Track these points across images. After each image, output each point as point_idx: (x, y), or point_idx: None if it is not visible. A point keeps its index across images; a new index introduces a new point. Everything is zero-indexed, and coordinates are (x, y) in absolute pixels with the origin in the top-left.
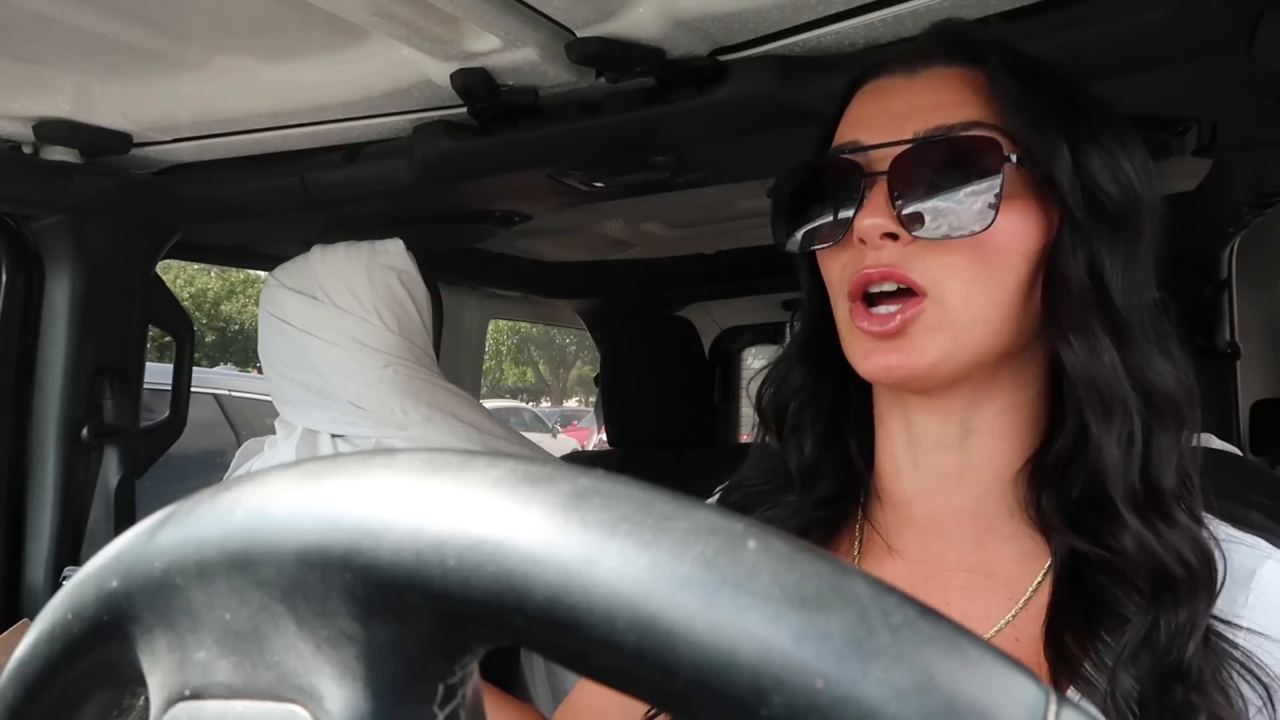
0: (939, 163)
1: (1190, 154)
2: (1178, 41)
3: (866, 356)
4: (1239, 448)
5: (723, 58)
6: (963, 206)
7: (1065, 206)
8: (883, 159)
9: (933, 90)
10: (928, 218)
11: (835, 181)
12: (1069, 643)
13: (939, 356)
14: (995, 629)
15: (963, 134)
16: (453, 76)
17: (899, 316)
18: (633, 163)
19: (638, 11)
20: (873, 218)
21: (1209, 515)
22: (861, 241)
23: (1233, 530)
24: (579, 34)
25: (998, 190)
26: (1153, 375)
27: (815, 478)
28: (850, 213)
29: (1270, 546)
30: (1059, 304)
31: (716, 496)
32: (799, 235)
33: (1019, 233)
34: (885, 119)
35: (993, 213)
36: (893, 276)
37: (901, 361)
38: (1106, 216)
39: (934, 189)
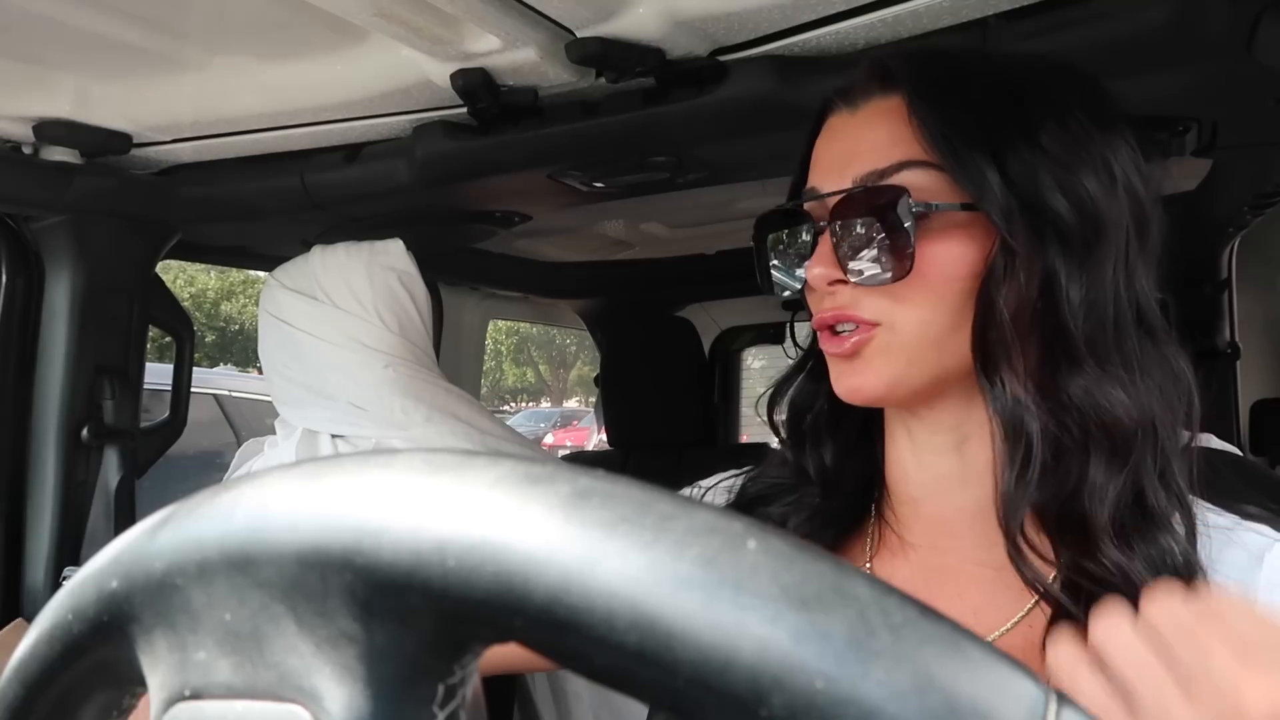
0: (868, 210)
1: (1190, 154)
2: (1177, 41)
3: (837, 379)
4: (1239, 448)
5: (722, 58)
6: (888, 252)
7: (999, 230)
8: (828, 207)
9: (870, 128)
10: (862, 264)
11: (793, 229)
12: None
13: (893, 378)
14: (1012, 621)
15: (884, 181)
16: (453, 77)
17: (852, 339)
18: (633, 163)
19: (637, 12)
20: (819, 267)
21: (1213, 507)
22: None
23: (1241, 519)
24: (579, 34)
25: (908, 237)
26: (1098, 399)
27: (836, 481)
28: (806, 260)
29: (1273, 533)
30: (977, 330)
31: (731, 481)
32: (770, 282)
33: (957, 260)
34: (834, 163)
35: (910, 258)
36: (844, 318)
37: (861, 383)
38: (1058, 236)
39: (865, 236)
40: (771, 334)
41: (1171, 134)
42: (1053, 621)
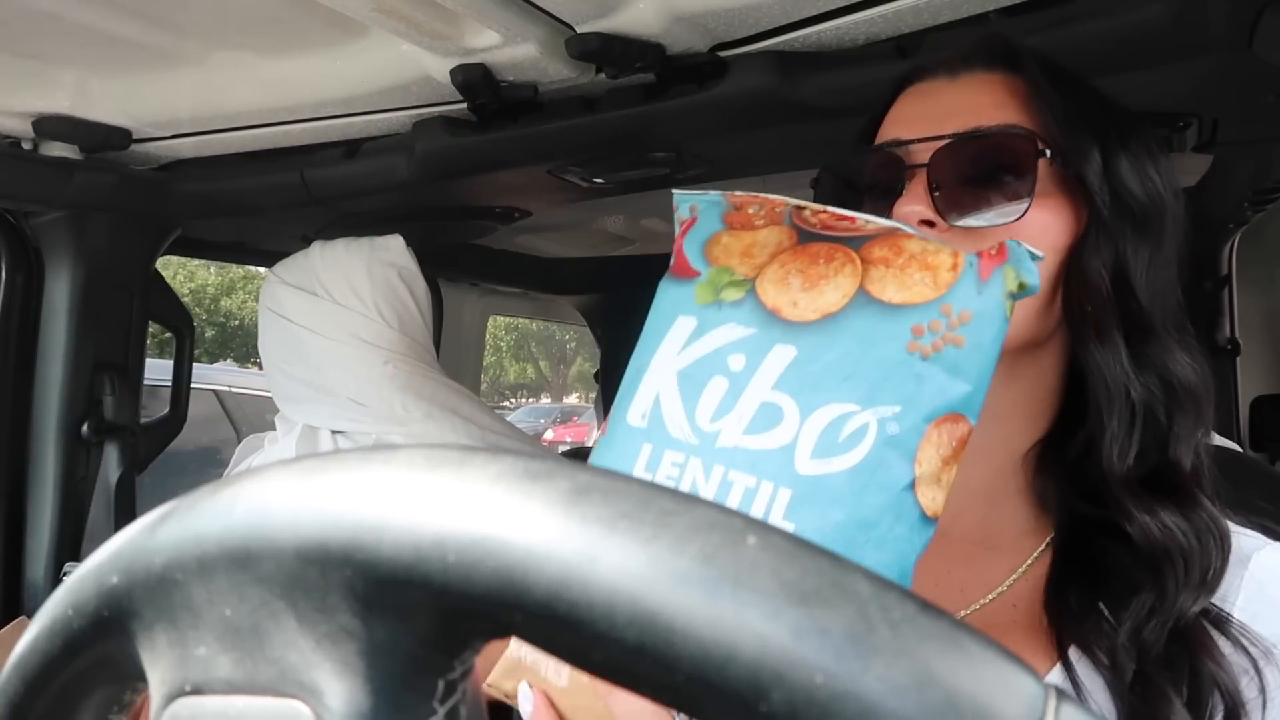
0: (976, 157)
1: (1191, 150)
2: (1178, 37)
3: None
4: (1238, 444)
5: (722, 53)
6: (997, 198)
7: (1094, 206)
8: (923, 152)
9: (972, 93)
10: (964, 207)
11: (876, 174)
12: (1071, 604)
13: None
14: (994, 594)
15: (1001, 133)
16: (453, 72)
17: None
18: (632, 158)
19: (638, 7)
20: (912, 205)
21: None
22: None
23: (1234, 525)
24: (579, 30)
25: (1031, 184)
26: (1175, 367)
27: None
28: (890, 202)
29: (1267, 539)
30: (1077, 298)
31: None
32: None
33: (1049, 227)
34: (926, 118)
35: (1025, 204)
36: None
37: None
38: (1133, 218)
39: (970, 181)
40: None
41: (1172, 130)
42: (1052, 581)
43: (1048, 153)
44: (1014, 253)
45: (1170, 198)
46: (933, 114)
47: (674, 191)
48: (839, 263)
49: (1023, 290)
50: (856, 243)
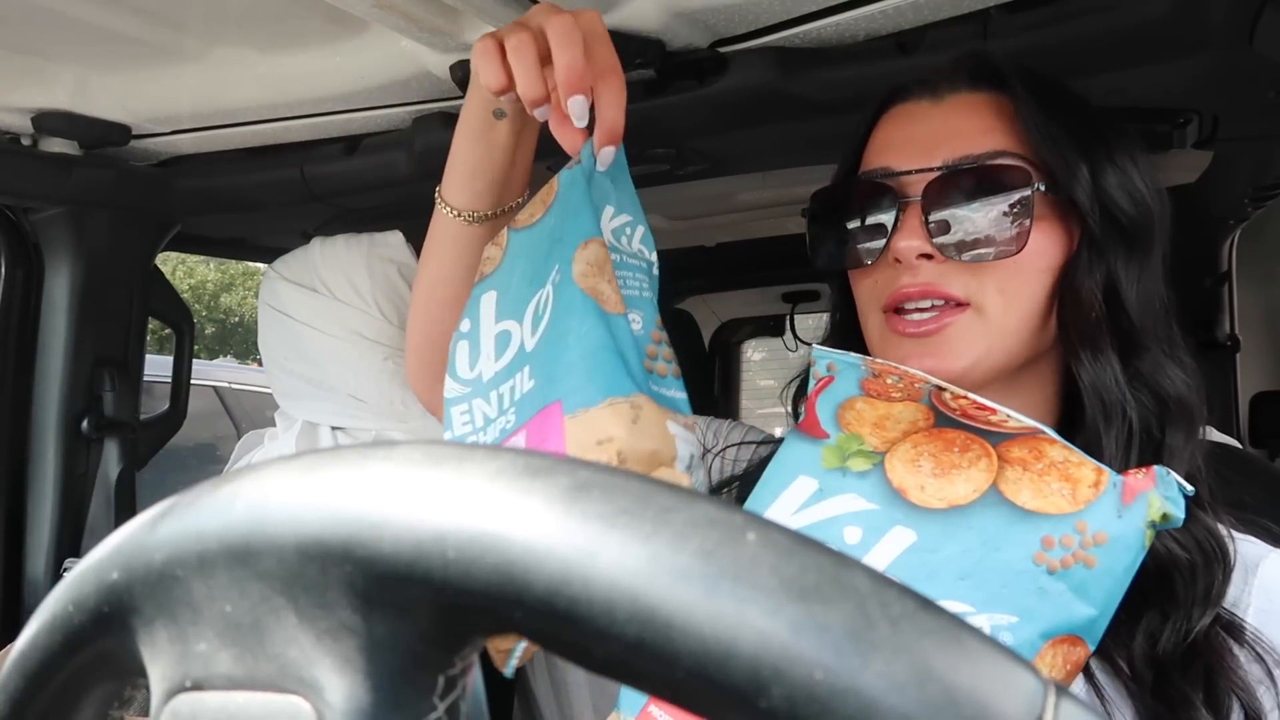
0: (970, 189)
1: (1191, 146)
2: (1179, 33)
3: (904, 360)
4: (1238, 440)
5: (723, 49)
6: (995, 230)
7: (1085, 225)
8: (915, 184)
9: (958, 117)
10: (962, 241)
11: (869, 205)
12: None
13: (974, 360)
14: None
15: (991, 162)
16: (452, 68)
17: (939, 320)
18: (632, 155)
19: (638, 3)
20: (909, 240)
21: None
22: (897, 261)
23: (1235, 531)
24: None
25: (1029, 216)
26: (1165, 380)
27: None
28: (884, 235)
29: (1271, 546)
30: (1071, 318)
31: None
32: (834, 256)
33: (1044, 251)
34: (914, 145)
35: (1025, 237)
36: (932, 294)
37: (938, 364)
38: (1122, 232)
39: (966, 213)
40: (771, 326)
41: (1172, 126)
42: None
43: (1040, 186)
44: (1162, 481)
45: (1156, 203)
46: (920, 140)
47: (814, 347)
48: (975, 454)
49: (1165, 521)
50: (995, 438)
